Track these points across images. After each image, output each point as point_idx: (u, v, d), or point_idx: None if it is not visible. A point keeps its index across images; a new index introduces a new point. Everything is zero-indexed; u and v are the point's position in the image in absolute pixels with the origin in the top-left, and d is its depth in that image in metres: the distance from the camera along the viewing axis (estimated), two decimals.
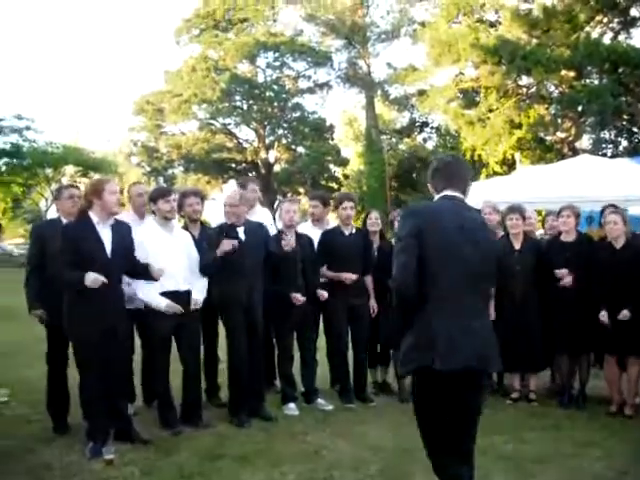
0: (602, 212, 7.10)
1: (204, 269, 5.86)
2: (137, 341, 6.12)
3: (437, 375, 3.26)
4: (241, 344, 5.94)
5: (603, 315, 6.22)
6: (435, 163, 3.75)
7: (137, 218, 6.17)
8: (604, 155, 27.48)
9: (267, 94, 35.55)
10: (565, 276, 6.46)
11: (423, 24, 33.91)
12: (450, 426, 3.43)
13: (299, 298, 6.26)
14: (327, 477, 4.63)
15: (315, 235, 6.82)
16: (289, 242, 6.17)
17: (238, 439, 5.51)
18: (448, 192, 3.56)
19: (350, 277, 6.55)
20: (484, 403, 3.71)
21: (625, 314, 6.08)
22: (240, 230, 5.98)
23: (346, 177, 38.72)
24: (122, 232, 5.35)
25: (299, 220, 6.73)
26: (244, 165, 37.57)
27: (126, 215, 6.05)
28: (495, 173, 28.65)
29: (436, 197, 3.64)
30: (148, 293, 5.57)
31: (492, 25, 31.32)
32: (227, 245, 5.74)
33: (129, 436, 5.34)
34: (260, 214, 7.14)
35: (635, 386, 6.36)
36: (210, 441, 5.45)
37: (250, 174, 36.23)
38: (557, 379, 7.03)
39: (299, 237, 6.48)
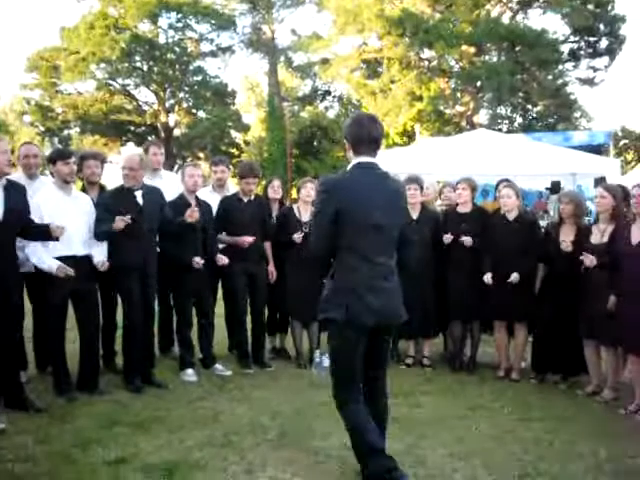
0: (497, 186, 7.34)
1: (98, 236, 5.70)
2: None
3: (350, 326, 3.76)
4: (136, 309, 5.85)
5: (488, 277, 6.47)
6: (349, 121, 3.90)
7: (27, 179, 5.90)
8: (500, 130, 28.36)
9: (168, 56, 34.65)
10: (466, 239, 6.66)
11: None
12: (360, 366, 3.87)
13: (198, 261, 6.20)
14: (225, 442, 4.64)
15: (214, 201, 6.76)
16: (193, 214, 6.06)
17: (135, 406, 5.45)
18: (362, 159, 3.83)
19: (246, 240, 6.50)
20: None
21: (515, 277, 6.33)
22: (138, 194, 5.83)
23: (247, 143, 38.41)
24: (16, 193, 5.14)
25: (202, 185, 6.64)
26: (143, 128, 36.59)
27: (15, 176, 5.78)
28: (395, 144, 29.13)
29: (351, 162, 3.88)
30: (40, 256, 5.37)
31: None
32: (120, 223, 5.56)
33: (22, 404, 5.19)
34: (166, 178, 7.01)
35: (521, 351, 6.69)
36: (106, 408, 5.36)
37: (149, 137, 35.33)
38: (449, 345, 7.29)
39: (199, 202, 6.41)
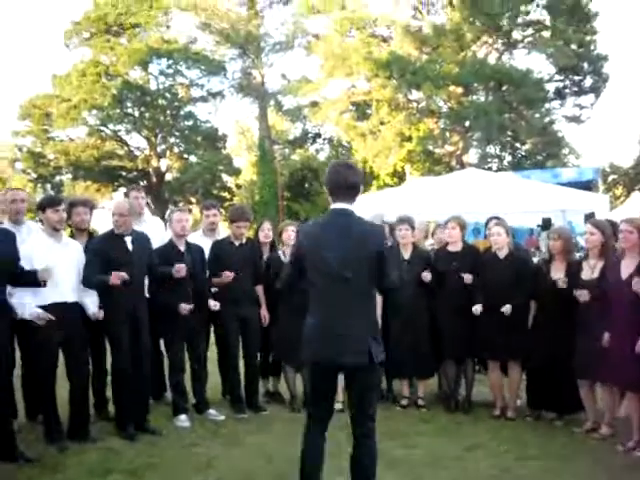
0: (487, 224, 7.38)
1: (88, 283, 5.68)
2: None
3: (309, 366, 3.99)
4: (125, 356, 5.80)
5: (476, 309, 6.47)
6: (327, 169, 4.05)
7: (12, 225, 5.84)
8: (490, 169, 28.63)
9: (159, 102, 34.99)
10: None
11: (317, 36, 34.37)
12: (325, 405, 4.06)
13: (185, 307, 6.18)
14: None
15: (205, 245, 6.77)
16: (181, 270, 6.04)
17: (128, 453, 5.39)
18: (337, 205, 3.95)
19: (227, 275, 6.44)
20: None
21: (508, 308, 6.32)
22: (128, 240, 5.83)
23: (238, 187, 38.57)
24: (5, 240, 5.15)
25: (190, 230, 6.65)
26: (135, 173, 36.72)
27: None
28: (386, 184, 29.33)
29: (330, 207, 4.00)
30: (24, 304, 5.31)
31: (384, 40, 32.15)
32: (116, 280, 5.53)
33: (12, 454, 5.11)
34: (150, 223, 7.02)
35: (516, 390, 6.65)
36: (98, 456, 5.30)
37: (141, 182, 35.46)
38: (444, 385, 7.24)
39: (189, 246, 6.42)
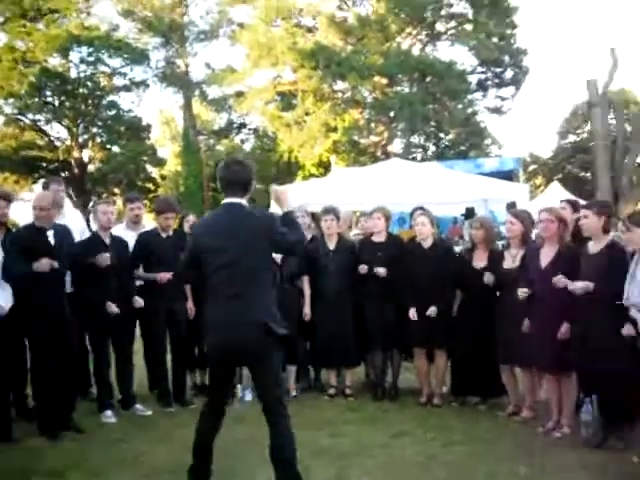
0: (412, 214, 7.49)
1: (6, 276, 5.49)
2: None
3: (210, 350, 4.27)
4: (46, 354, 5.65)
5: (412, 314, 6.57)
6: (219, 166, 4.29)
7: None
8: (414, 159, 29.00)
9: (80, 90, 34.00)
10: (365, 270, 6.75)
11: (242, 25, 34.09)
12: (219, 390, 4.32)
13: (114, 309, 6.08)
14: None
15: (129, 238, 6.65)
16: (105, 259, 5.96)
17: (51, 453, 5.25)
18: (227, 199, 4.19)
19: (164, 276, 6.40)
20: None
21: (433, 310, 6.46)
22: (49, 233, 5.67)
23: (163, 178, 38.02)
24: None
25: (115, 222, 6.53)
26: (56, 164, 35.63)
27: None
28: (311, 175, 29.39)
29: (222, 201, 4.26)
30: None
31: (310, 30, 32.15)
32: (104, 260, 5.61)
33: None
34: (70, 216, 6.85)
35: (442, 377, 6.79)
36: (20, 457, 5.15)
37: (62, 174, 34.47)
38: (371, 374, 7.33)
39: (114, 239, 6.30)
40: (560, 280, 5.31)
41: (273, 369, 4.14)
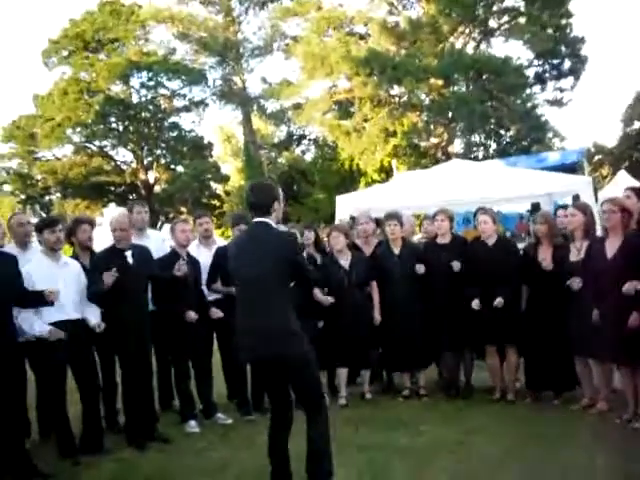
0: (475, 214, 7.56)
1: (91, 298, 5.84)
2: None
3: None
4: (133, 368, 5.96)
5: (475, 303, 6.63)
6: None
7: (20, 249, 6.06)
8: (475, 158, 28.76)
9: (143, 114, 35.08)
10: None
11: (295, 39, 34.50)
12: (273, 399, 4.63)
13: (192, 316, 6.32)
14: None
15: (202, 255, 6.92)
16: (181, 268, 6.20)
17: (141, 463, 5.51)
18: (255, 219, 4.52)
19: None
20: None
21: (499, 301, 6.50)
22: (128, 254, 5.97)
23: (227, 194, 38.62)
24: (6, 263, 5.29)
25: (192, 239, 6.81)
26: (123, 188, 36.81)
27: (9, 247, 5.97)
28: (374, 181, 29.41)
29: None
30: (32, 323, 5.46)
31: (362, 38, 32.29)
32: (108, 278, 5.73)
33: (27, 472, 5.22)
34: (153, 237, 7.17)
35: (514, 372, 6.83)
36: (113, 468, 5.41)
37: (130, 196, 35.58)
38: (444, 374, 7.41)
39: (189, 257, 6.57)
40: (629, 289, 5.32)
41: (303, 374, 4.40)
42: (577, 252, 6.13)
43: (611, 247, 5.70)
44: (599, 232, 6.44)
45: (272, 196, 4.50)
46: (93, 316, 5.82)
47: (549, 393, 6.66)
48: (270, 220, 4.45)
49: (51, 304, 5.36)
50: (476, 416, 6.27)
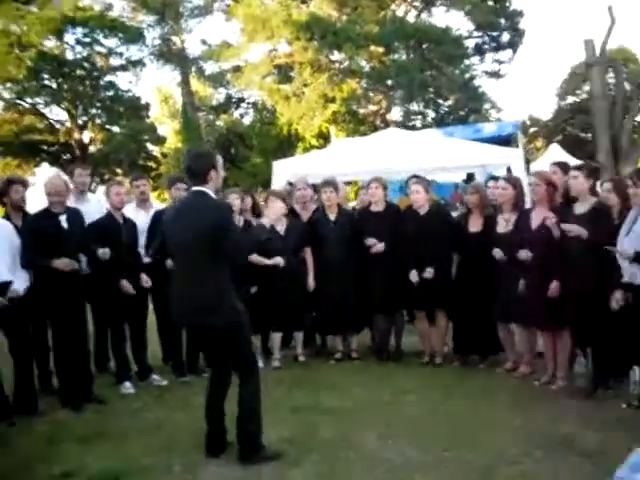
0: (407, 182, 7.75)
1: (27, 264, 5.77)
2: None
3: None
4: (65, 331, 5.94)
5: (413, 275, 6.84)
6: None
7: None
8: (413, 126, 29.07)
9: (77, 72, 33.99)
10: (375, 244, 7.01)
11: (236, 0, 33.99)
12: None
13: (127, 287, 6.36)
14: (169, 446, 4.84)
15: (140, 217, 6.92)
16: (105, 254, 6.17)
17: (76, 423, 5.55)
18: (193, 187, 4.55)
19: None
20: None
21: (430, 271, 6.73)
22: (62, 218, 5.92)
23: (164, 155, 38.06)
24: None
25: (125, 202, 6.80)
26: (57, 147, 35.80)
27: None
28: (312, 146, 29.45)
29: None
30: None
31: (303, 2, 31.98)
32: (65, 266, 5.75)
33: None
34: (93, 200, 7.14)
35: (443, 337, 7.10)
36: (47, 428, 5.44)
37: (64, 156, 34.74)
38: (376, 338, 7.64)
39: (125, 221, 6.57)
40: (552, 223, 5.58)
41: (228, 342, 4.50)
42: (505, 223, 6.37)
43: (536, 218, 5.96)
44: (529, 204, 6.69)
45: (209, 164, 4.51)
46: (21, 279, 5.71)
47: (475, 357, 6.96)
48: (207, 189, 4.47)
49: None
50: (405, 378, 6.51)
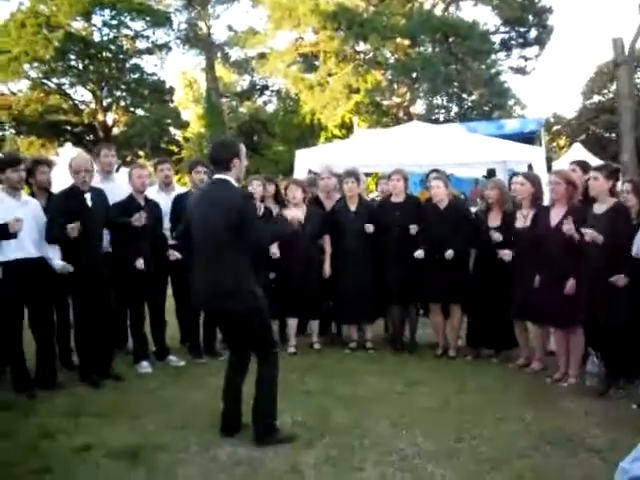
0: (427, 176, 7.81)
1: (50, 240, 5.91)
2: None
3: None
4: (87, 309, 6.07)
5: (419, 253, 6.91)
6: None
7: None
8: (436, 120, 29.02)
9: (104, 54, 34.25)
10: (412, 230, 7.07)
11: None
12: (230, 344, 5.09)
13: (141, 262, 6.44)
14: (184, 424, 4.97)
15: (162, 200, 7.02)
16: (141, 219, 6.30)
17: (95, 398, 5.71)
18: (215, 175, 4.68)
19: None
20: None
21: (450, 253, 6.77)
22: (87, 196, 6.03)
23: (186, 140, 38.27)
24: None
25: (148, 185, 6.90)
26: (80, 128, 36.06)
27: None
28: (334, 136, 29.52)
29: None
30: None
31: None
32: (74, 231, 5.79)
33: None
34: (118, 180, 7.24)
35: (457, 330, 7.16)
36: (67, 402, 5.59)
37: (87, 137, 35.05)
38: (390, 328, 7.72)
39: (147, 202, 6.68)
40: (569, 227, 5.62)
41: (248, 327, 4.60)
42: (523, 219, 6.41)
43: (555, 216, 5.99)
44: (546, 202, 6.72)
45: (233, 152, 4.62)
46: (56, 257, 5.91)
47: (489, 351, 7.01)
48: (229, 177, 4.58)
49: (14, 236, 5.46)
50: (418, 370, 6.58)
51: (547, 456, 4.38)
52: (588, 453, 4.40)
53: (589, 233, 5.42)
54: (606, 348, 5.70)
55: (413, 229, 7.04)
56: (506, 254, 6.35)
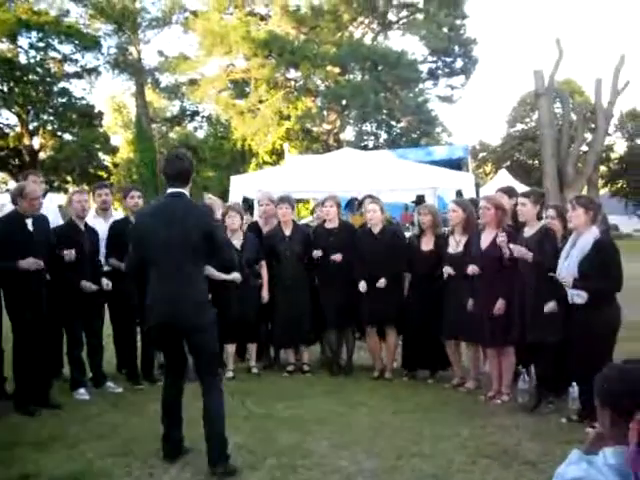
0: (361, 201, 7.99)
1: None
2: None
3: (154, 327, 4.60)
4: (26, 335, 5.95)
5: (363, 286, 7.06)
6: (163, 160, 4.81)
7: None
8: (366, 147, 29.52)
9: (30, 77, 33.68)
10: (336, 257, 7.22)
11: (195, 13, 34.13)
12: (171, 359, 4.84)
13: (89, 286, 6.42)
14: (126, 451, 4.93)
15: (99, 224, 6.99)
16: (71, 255, 6.23)
17: (31, 427, 5.58)
18: (170, 189, 4.58)
19: None
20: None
21: (382, 282, 6.95)
22: (28, 222, 5.96)
23: (116, 165, 37.87)
24: None
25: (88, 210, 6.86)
26: (6, 152, 35.28)
27: None
28: (265, 162, 29.68)
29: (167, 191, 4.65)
30: None
31: (262, 19, 32.34)
32: (30, 265, 5.77)
33: None
34: (45, 206, 7.14)
35: (393, 353, 7.32)
36: (3, 431, 5.47)
37: (13, 161, 34.30)
38: (327, 352, 7.82)
39: (87, 228, 6.64)
40: (502, 239, 5.89)
41: (207, 344, 4.61)
42: (456, 245, 6.65)
43: (485, 240, 6.24)
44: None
45: (190, 166, 4.63)
46: None
47: (424, 372, 7.19)
48: (185, 191, 4.58)
49: None
50: (357, 391, 6.70)
51: (485, 470, 4.54)
52: (523, 465, 4.60)
53: (517, 249, 5.70)
54: (537, 365, 5.95)
55: (337, 257, 7.20)
56: (447, 269, 6.55)
